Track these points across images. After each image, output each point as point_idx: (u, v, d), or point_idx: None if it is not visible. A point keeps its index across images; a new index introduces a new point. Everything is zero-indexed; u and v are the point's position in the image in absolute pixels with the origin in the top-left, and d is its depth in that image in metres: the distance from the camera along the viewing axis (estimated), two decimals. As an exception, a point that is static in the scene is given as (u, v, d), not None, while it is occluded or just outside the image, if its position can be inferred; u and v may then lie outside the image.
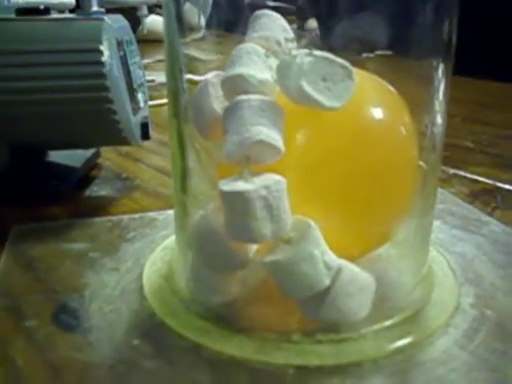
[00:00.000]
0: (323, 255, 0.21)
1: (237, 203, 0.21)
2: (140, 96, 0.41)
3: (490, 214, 0.38)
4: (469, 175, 0.45)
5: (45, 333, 0.24)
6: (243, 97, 0.21)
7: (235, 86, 0.22)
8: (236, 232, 0.21)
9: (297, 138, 0.23)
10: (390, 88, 0.24)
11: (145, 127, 0.40)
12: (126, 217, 0.35)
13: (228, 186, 0.21)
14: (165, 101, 0.63)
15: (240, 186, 0.21)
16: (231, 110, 0.22)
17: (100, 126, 0.37)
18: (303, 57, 0.21)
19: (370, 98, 0.24)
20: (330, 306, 0.22)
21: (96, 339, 0.23)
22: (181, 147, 0.27)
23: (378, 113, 0.24)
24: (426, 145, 0.25)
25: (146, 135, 0.40)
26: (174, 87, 0.26)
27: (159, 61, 0.92)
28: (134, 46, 0.41)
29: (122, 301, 0.26)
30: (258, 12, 0.23)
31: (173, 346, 0.23)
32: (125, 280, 0.28)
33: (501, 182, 0.44)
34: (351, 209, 0.24)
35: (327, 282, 0.21)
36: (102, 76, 0.35)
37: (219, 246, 0.23)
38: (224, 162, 0.22)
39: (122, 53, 0.37)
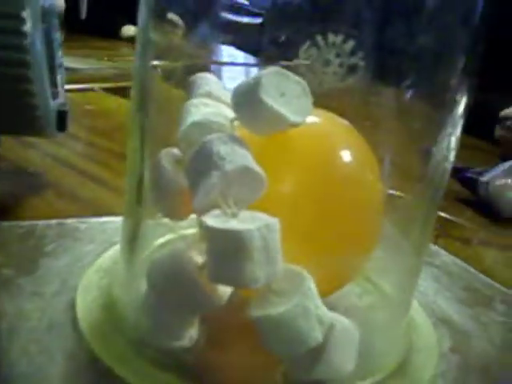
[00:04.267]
0: (317, 309, 0.19)
1: (231, 243, 0.17)
2: (59, 79, 0.35)
3: (435, 243, 0.36)
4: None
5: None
6: (213, 135, 0.19)
7: (193, 135, 0.21)
8: (223, 274, 0.18)
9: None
10: (355, 132, 0.23)
11: (63, 116, 0.34)
12: (40, 223, 0.29)
13: (217, 223, 0.18)
14: (72, 86, 0.57)
15: (233, 224, 0.18)
16: (200, 153, 0.19)
17: (12, 109, 0.30)
18: (259, 73, 0.19)
19: (336, 140, 0.23)
20: (323, 364, 0.19)
21: (23, 394, 0.18)
22: (142, 148, 0.22)
23: (345, 154, 0.22)
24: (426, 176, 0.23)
25: (63, 126, 0.34)
26: (143, 76, 0.22)
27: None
28: (56, 20, 0.35)
29: (51, 339, 0.21)
30: (193, 76, 0.23)
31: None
32: (52, 309, 0.23)
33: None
34: (321, 245, 0.21)
35: (320, 337, 0.19)
36: (23, 49, 0.29)
37: (190, 288, 0.19)
38: (197, 211, 0.19)
39: (46, 25, 0.31)
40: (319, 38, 0.20)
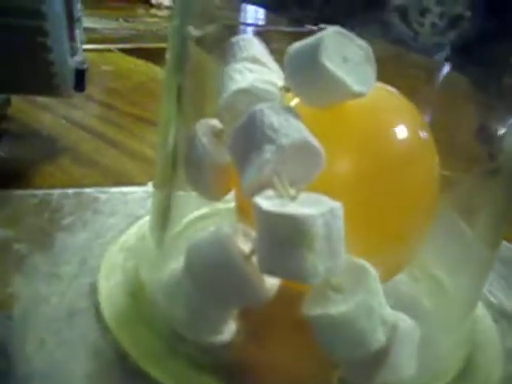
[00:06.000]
0: (380, 308, 0.16)
1: (290, 229, 0.15)
2: (78, 34, 0.31)
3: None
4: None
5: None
6: (263, 104, 0.17)
7: (238, 104, 0.18)
8: (278, 265, 0.15)
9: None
10: (412, 106, 0.20)
11: (81, 75, 0.31)
12: (56, 192, 0.27)
13: (273, 206, 0.15)
14: (89, 46, 0.53)
15: (293, 207, 0.15)
16: (249, 124, 0.16)
17: (27, 65, 0.28)
18: (319, 34, 0.17)
19: (394, 116, 0.20)
20: (384, 367, 0.17)
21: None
22: (180, 112, 0.19)
23: (404, 132, 0.20)
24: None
25: (81, 86, 0.31)
26: (180, 36, 0.19)
27: None
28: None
29: (72, 330, 0.18)
30: (235, 38, 0.20)
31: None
32: (72, 294, 0.20)
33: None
34: (381, 230, 0.19)
35: (383, 339, 0.16)
36: (39, -1, 0.26)
37: (235, 278, 0.17)
38: (246, 191, 0.16)
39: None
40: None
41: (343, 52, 0.17)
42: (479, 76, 0.20)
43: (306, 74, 0.17)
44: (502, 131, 0.21)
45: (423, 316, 0.19)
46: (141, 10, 0.95)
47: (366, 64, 0.17)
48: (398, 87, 0.20)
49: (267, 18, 0.25)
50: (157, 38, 0.67)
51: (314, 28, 0.21)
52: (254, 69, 0.19)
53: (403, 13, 0.17)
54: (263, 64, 0.19)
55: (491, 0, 0.16)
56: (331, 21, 0.20)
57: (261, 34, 0.25)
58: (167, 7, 1.04)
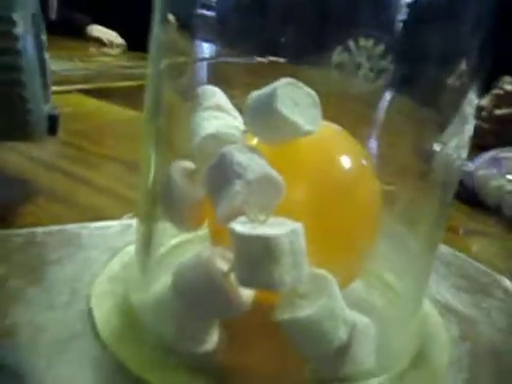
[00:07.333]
0: (341, 310, 0.19)
1: (260, 248, 0.18)
2: (48, 81, 0.34)
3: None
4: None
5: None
6: (231, 146, 0.20)
7: (208, 147, 0.21)
8: (252, 278, 0.18)
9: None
10: (351, 137, 0.24)
11: (53, 120, 0.33)
12: (39, 230, 0.29)
13: (246, 229, 0.18)
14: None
15: (262, 229, 0.18)
16: (220, 163, 0.19)
17: (4, 114, 0.30)
18: (274, 84, 0.20)
19: (337, 149, 0.24)
20: (348, 361, 0.20)
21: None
22: (159, 156, 0.22)
23: (346, 162, 0.23)
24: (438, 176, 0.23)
25: (53, 130, 0.34)
26: (157, 83, 0.22)
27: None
28: (43, 22, 0.34)
29: (74, 349, 0.20)
30: (199, 88, 0.23)
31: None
32: (68, 319, 0.22)
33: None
34: (335, 245, 0.22)
35: (345, 337, 0.19)
36: (15, 53, 0.28)
37: (216, 294, 0.19)
38: (221, 219, 0.19)
39: (36, 28, 0.31)
40: (351, 43, 0.20)
41: (294, 98, 0.20)
42: (417, 95, 0.23)
43: (264, 118, 0.20)
44: (435, 148, 0.25)
45: (377, 316, 0.22)
46: (93, 49, 0.97)
47: (313, 107, 0.20)
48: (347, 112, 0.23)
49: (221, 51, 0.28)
50: (111, 77, 0.70)
51: (264, 60, 0.24)
52: (219, 116, 0.22)
53: (341, 68, 0.21)
54: (226, 111, 0.22)
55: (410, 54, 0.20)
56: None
57: (217, 65, 0.28)
58: (118, 45, 1.07)
